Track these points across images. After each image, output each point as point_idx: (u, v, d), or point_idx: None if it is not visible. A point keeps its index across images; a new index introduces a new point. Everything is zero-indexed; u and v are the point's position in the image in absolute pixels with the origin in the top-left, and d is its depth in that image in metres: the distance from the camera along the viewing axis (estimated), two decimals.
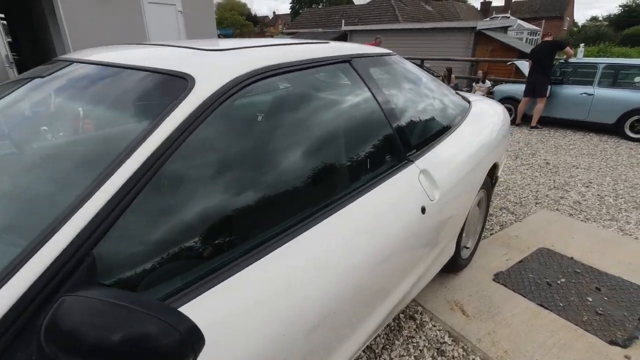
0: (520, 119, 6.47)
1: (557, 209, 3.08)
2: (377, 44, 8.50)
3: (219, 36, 27.43)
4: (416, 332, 1.79)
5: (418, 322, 1.85)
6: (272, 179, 0.97)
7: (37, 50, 8.14)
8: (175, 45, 1.15)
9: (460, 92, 2.38)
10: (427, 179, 1.39)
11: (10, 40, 7.34)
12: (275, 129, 1.05)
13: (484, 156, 1.84)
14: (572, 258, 2.32)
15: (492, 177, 2.29)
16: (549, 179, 3.82)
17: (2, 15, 7.46)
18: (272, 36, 19.33)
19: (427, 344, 1.71)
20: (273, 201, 0.94)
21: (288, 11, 46.73)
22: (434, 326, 1.82)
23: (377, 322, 1.20)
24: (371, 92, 1.31)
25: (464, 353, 1.65)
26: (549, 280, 2.11)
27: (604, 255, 2.35)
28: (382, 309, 1.21)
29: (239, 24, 29.24)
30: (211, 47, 1.08)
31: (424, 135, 1.53)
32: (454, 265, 2.08)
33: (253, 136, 0.98)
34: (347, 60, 1.31)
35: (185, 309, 0.69)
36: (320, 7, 32.54)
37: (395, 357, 1.64)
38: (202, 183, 0.84)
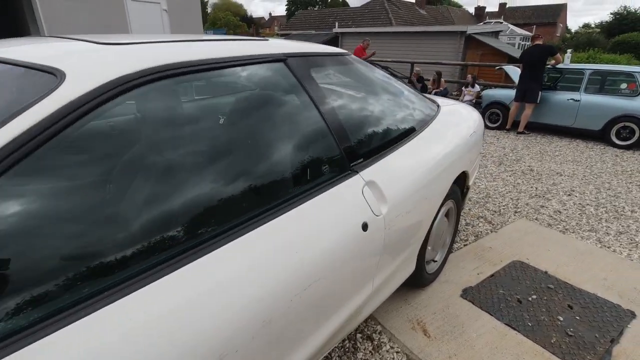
0: (510, 124, 6.39)
1: (536, 219, 2.97)
2: (365, 47, 8.41)
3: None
4: (372, 354, 1.65)
5: (375, 343, 1.71)
6: (170, 190, 0.83)
7: None
8: (73, 38, 1.01)
9: (430, 96, 2.26)
10: (373, 191, 1.26)
11: None
12: (179, 135, 0.91)
13: (448, 165, 1.71)
14: (546, 272, 2.21)
15: (462, 187, 2.17)
16: (531, 187, 3.72)
17: None
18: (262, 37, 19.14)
19: None
20: (163, 221, 0.79)
21: (284, 13, 46.68)
22: (392, 348, 1.68)
23: (315, 348, 1.06)
24: (309, 94, 1.18)
25: None
26: (519, 297, 1.99)
27: (579, 269, 2.23)
28: (318, 335, 1.07)
29: (233, 25, 29.02)
30: (113, 41, 0.93)
31: (375, 143, 1.39)
32: (419, 281, 1.95)
33: (145, 146, 0.84)
34: (281, 59, 1.17)
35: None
36: (315, 9, 32.51)
37: None
38: (59, 194, 0.70)
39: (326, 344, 1.14)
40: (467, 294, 2.02)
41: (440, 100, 2.34)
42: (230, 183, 0.94)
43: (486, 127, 6.73)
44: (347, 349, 1.68)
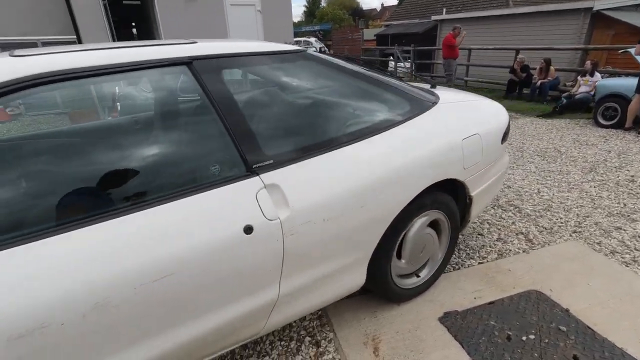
0: (630, 122, 5.14)
1: (598, 244, 2.38)
2: (456, 35, 7.67)
3: (318, 32, 28.35)
4: (292, 358, 1.61)
5: (320, 350, 1.66)
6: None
7: None
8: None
9: (426, 91, 1.96)
10: (272, 195, 1.23)
11: None
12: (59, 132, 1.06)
13: (408, 171, 1.52)
14: (567, 310, 1.78)
15: (457, 196, 1.89)
16: (618, 202, 2.96)
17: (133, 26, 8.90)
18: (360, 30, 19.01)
19: None
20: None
21: (396, 2, 45.32)
22: (334, 359, 1.61)
23: (172, 346, 1.10)
24: (209, 96, 1.20)
25: None
26: (511, 333, 1.66)
27: (617, 314, 1.74)
28: (179, 333, 1.10)
29: (339, 19, 29.54)
30: (24, 54, 1.11)
31: (294, 146, 1.34)
32: (387, 294, 1.80)
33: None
34: (185, 62, 1.22)
35: None
36: None
37: None
38: None
39: (199, 346, 1.17)
40: (448, 318, 1.78)
41: (450, 94, 2.06)
42: (106, 175, 1.06)
43: (599, 124, 5.52)
44: (289, 350, 1.67)
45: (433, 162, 1.61)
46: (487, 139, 1.87)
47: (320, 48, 20.36)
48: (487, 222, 2.74)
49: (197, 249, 1.08)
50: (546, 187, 3.37)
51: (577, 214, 2.80)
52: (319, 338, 1.73)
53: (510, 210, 2.92)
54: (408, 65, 12.15)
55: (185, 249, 1.06)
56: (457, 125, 1.76)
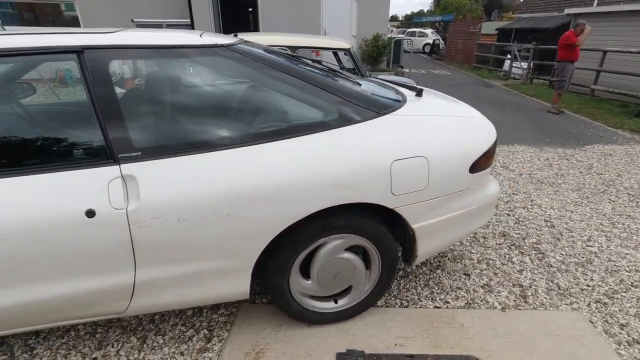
0: None
1: (618, 325, 1.78)
2: (579, 32, 6.30)
3: (438, 23, 26.24)
4: (189, 352, 1.63)
5: (207, 346, 1.67)
6: None
7: None
8: None
9: (390, 96, 1.68)
10: (127, 185, 1.26)
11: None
12: None
13: (301, 187, 1.37)
14: None
15: (395, 225, 1.63)
16: None
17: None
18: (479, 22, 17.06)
19: None
20: None
21: None
22: (210, 358, 1.60)
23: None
24: (88, 85, 1.27)
25: None
26: None
27: None
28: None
29: (465, 9, 26.68)
30: None
31: (167, 141, 1.32)
32: (289, 312, 1.69)
33: None
34: (76, 51, 1.29)
35: None
36: None
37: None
38: None
39: (54, 308, 1.29)
40: (348, 356, 1.58)
41: (431, 104, 1.76)
42: None
43: None
44: (183, 336, 1.72)
45: (339, 182, 1.41)
46: (441, 165, 1.55)
47: (434, 41, 19.05)
48: (487, 262, 2.29)
49: (40, 220, 1.19)
50: (606, 236, 2.62)
51: (621, 280, 2.12)
52: (214, 334, 1.73)
53: (529, 255, 2.38)
54: (525, 65, 10.53)
55: (29, 219, 1.19)
56: (393, 144, 1.49)
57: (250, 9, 11.58)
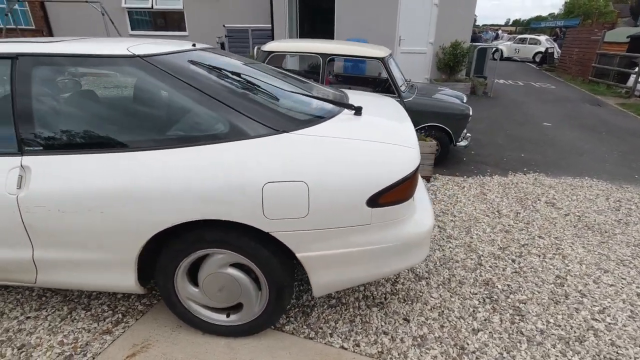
0: None
1: None
2: None
3: (559, 29, 22.44)
4: (91, 322, 1.79)
5: (105, 328, 1.81)
6: None
7: None
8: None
9: (310, 114, 1.56)
10: (23, 175, 1.45)
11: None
12: None
13: (165, 196, 1.39)
14: None
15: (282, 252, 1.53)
16: None
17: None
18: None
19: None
20: None
21: None
22: (100, 346, 1.74)
23: None
24: (12, 86, 1.49)
25: None
26: None
27: None
28: None
29: (598, 12, 22.19)
30: None
31: (66, 140, 1.47)
32: (180, 316, 1.72)
33: None
34: (11, 57, 1.52)
35: None
36: None
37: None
38: None
39: None
40: None
41: (360, 123, 1.60)
42: None
43: None
44: (98, 314, 1.89)
45: (204, 197, 1.39)
46: (325, 193, 1.40)
47: (546, 49, 16.67)
48: (442, 312, 1.98)
49: None
50: (632, 313, 2.02)
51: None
52: (124, 320, 1.87)
53: (502, 314, 1.97)
54: None
55: None
56: (270, 165, 1.40)
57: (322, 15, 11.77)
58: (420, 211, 1.68)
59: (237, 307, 1.72)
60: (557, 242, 2.75)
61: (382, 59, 3.92)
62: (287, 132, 1.49)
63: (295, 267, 1.64)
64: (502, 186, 3.76)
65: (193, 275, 1.66)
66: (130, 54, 1.57)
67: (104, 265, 1.57)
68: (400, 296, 2.10)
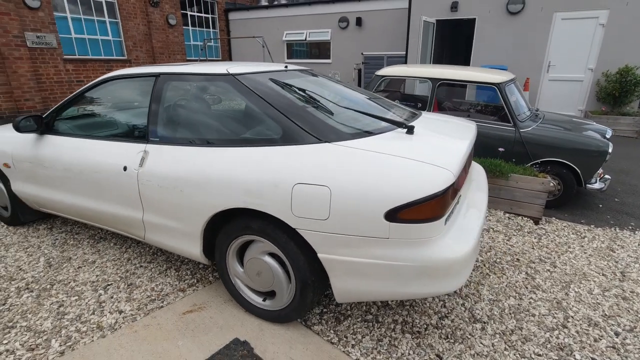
0: None
1: None
2: None
3: None
4: (176, 275, 2.27)
5: (181, 285, 2.26)
6: None
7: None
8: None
9: (359, 128, 1.65)
10: (146, 157, 2.02)
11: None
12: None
13: (222, 184, 1.73)
14: None
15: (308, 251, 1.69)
16: None
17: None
18: None
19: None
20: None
21: None
22: (173, 297, 2.18)
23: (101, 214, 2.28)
24: (152, 96, 2.11)
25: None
26: None
27: None
28: (97, 203, 2.26)
29: None
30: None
31: (172, 135, 1.98)
32: (230, 291, 2.04)
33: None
34: (153, 75, 2.15)
35: None
36: None
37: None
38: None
39: (105, 217, 2.26)
40: (232, 344, 1.79)
41: (403, 143, 1.65)
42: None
43: None
44: (180, 274, 2.38)
45: (246, 189, 1.67)
46: (344, 199, 1.50)
47: None
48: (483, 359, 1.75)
49: (106, 166, 2.15)
50: None
51: None
52: (194, 283, 2.30)
53: None
54: None
55: (97, 165, 2.16)
56: (302, 168, 1.58)
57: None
58: (456, 237, 1.57)
59: (272, 295, 1.93)
60: None
61: (497, 85, 3.64)
62: (329, 142, 1.65)
63: (322, 270, 1.75)
64: None
65: (242, 259, 1.96)
66: (226, 72, 2.01)
67: (182, 233, 2.01)
68: (444, 332, 1.94)
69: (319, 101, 2.00)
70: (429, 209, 1.44)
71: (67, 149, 2.35)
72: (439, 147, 1.69)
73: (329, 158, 1.59)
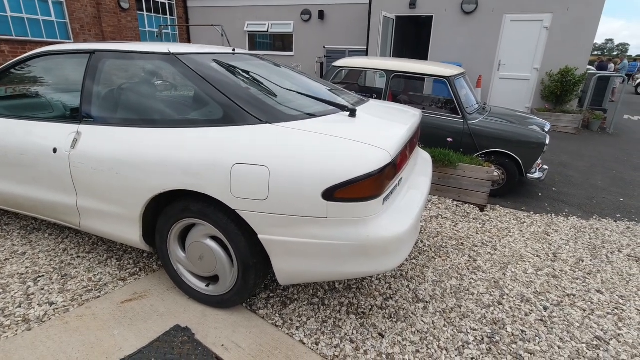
0: None
1: None
2: None
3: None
4: (117, 264, 2.16)
5: (122, 275, 2.15)
6: None
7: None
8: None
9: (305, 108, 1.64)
10: (77, 138, 1.89)
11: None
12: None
13: (159, 164, 1.65)
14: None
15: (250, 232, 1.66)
16: None
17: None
18: None
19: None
20: None
21: None
22: (112, 287, 2.08)
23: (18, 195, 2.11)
24: (85, 75, 1.98)
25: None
26: None
27: None
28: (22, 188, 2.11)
29: None
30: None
31: (108, 115, 1.87)
32: (172, 278, 1.96)
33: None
34: (88, 52, 2.02)
35: None
36: None
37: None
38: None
39: (35, 204, 2.11)
40: (174, 330, 1.73)
41: (345, 125, 1.65)
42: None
43: None
44: (119, 262, 2.27)
45: (185, 169, 1.61)
46: (282, 179, 1.48)
47: None
48: (424, 338, 1.81)
49: (33, 148, 1.99)
50: None
51: None
52: (136, 272, 2.20)
53: None
54: None
55: (23, 147, 2.00)
56: (241, 149, 1.54)
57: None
58: (394, 217, 1.61)
59: (215, 280, 1.89)
60: (620, 301, 2.23)
61: (447, 78, 3.77)
62: (270, 123, 1.63)
63: (263, 252, 1.73)
64: (575, 229, 3.20)
65: (185, 244, 1.89)
66: (167, 51, 1.92)
67: (119, 218, 1.90)
68: (387, 312, 1.99)
69: (262, 83, 1.96)
70: (366, 187, 1.46)
71: None
72: (378, 129, 1.72)
73: (269, 138, 1.56)
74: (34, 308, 1.88)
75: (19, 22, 7.98)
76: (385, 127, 1.76)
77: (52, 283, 2.09)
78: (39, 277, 2.14)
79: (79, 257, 2.37)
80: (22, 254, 2.37)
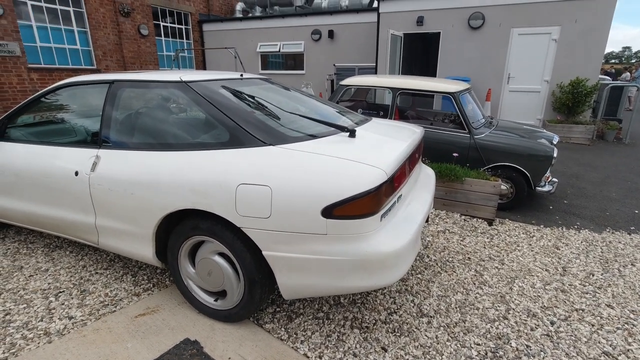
0: None
1: None
2: None
3: None
4: (131, 279, 2.26)
5: (136, 290, 2.26)
6: None
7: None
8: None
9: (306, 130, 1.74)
10: (97, 161, 2.03)
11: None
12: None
13: (170, 185, 1.77)
14: None
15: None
16: None
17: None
18: None
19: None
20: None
21: None
22: (127, 301, 2.18)
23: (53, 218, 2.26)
24: (105, 103, 2.14)
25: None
26: None
27: None
28: (45, 208, 2.25)
29: None
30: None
31: (124, 140, 2.01)
32: (182, 293, 2.05)
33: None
34: (107, 82, 2.19)
35: None
36: None
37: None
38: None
39: (58, 224, 2.25)
40: (183, 344, 1.81)
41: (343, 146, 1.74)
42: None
43: None
44: (135, 278, 2.38)
45: (193, 189, 1.72)
46: (284, 198, 1.57)
47: None
48: (430, 355, 1.84)
49: (57, 172, 2.15)
50: None
51: None
52: (149, 287, 2.30)
53: None
54: None
55: (48, 170, 2.16)
56: (245, 170, 1.65)
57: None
58: (392, 232, 1.67)
59: (223, 295, 1.97)
60: (631, 316, 2.20)
61: (452, 94, 3.84)
62: (273, 145, 1.73)
63: (268, 267, 1.80)
64: (586, 242, 3.15)
65: (194, 260, 1.99)
66: (179, 80, 2.07)
67: (134, 236, 2.02)
68: (391, 327, 2.02)
69: (267, 107, 2.08)
70: (363, 205, 1.53)
71: (18, 155, 2.33)
72: (376, 148, 1.80)
73: (271, 159, 1.66)
74: (54, 322, 2.00)
75: (46, 51, 8.51)
76: (383, 146, 1.84)
77: (72, 298, 2.21)
78: (60, 292, 2.27)
79: (97, 273, 2.49)
80: (45, 270, 2.52)
